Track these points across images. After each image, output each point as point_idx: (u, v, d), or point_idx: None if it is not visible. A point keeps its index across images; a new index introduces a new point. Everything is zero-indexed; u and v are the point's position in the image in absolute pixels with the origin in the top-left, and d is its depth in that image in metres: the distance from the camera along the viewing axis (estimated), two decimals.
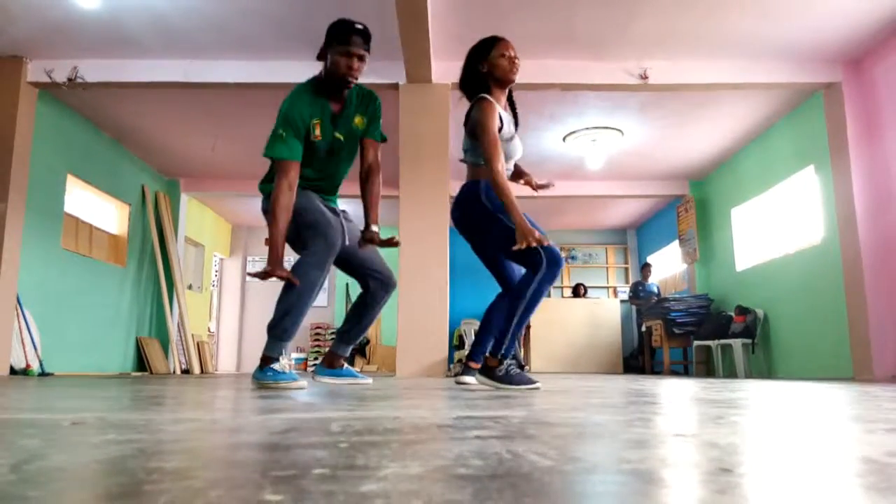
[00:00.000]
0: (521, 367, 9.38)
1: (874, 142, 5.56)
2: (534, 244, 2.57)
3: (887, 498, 0.51)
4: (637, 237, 12.12)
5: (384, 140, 2.93)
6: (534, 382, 2.73)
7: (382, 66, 5.75)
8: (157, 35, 5.36)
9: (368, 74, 5.75)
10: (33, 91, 5.88)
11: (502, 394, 2.31)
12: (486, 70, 2.84)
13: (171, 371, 8.46)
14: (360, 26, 2.71)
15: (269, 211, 2.69)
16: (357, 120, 2.83)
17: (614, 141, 7.50)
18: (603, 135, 7.34)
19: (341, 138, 2.80)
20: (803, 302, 6.46)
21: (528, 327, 9.89)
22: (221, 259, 11.92)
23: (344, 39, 2.67)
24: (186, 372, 8.62)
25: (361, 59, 2.70)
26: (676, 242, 9.69)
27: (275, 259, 2.65)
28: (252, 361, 11.73)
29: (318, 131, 2.73)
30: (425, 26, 4.80)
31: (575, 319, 9.83)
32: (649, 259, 10.92)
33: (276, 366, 2.66)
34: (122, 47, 5.57)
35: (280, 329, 2.68)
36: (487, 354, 2.83)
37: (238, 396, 2.18)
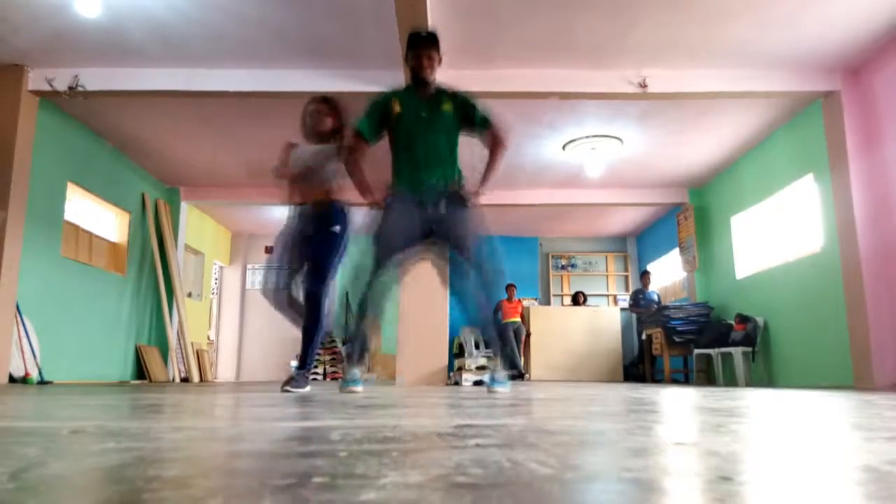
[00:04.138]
0: (521, 375, 9.40)
1: (873, 150, 5.57)
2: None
3: None
4: (637, 245, 12.12)
5: (486, 121, 3.41)
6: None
7: (383, 74, 5.77)
8: (157, 44, 5.39)
9: (368, 82, 5.81)
10: (34, 99, 5.90)
11: (503, 402, 2.31)
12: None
13: (171, 379, 8.45)
14: (423, 33, 3.40)
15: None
16: (446, 106, 3.38)
17: (614, 149, 7.51)
18: (602, 143, 7.36)
19: (425, 115, 3.34)
20: (803, 310, 6.46)
21: (529, 335, 9.88)
22: (221, 267, 11.91)
23: (411, 45, 3.36)
24: (186, 380, 8.60)
25: (430, 57, 3.35)
26: (676, 250, 9.69)
27: (361, 191, 3.35)
28: (251, 370, 11.71)
29: (398, 107, 3.36)
30: None
31: (575, 327, 9.82)
32: (649, 267, 10.92)
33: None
34: (123, 56, 5.59)
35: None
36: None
37: (237, 405, 2.18)
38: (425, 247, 3.40)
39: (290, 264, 3.67)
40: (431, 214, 3.29)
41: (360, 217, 3.67)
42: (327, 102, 3.84)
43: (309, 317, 3.61)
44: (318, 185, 3.69)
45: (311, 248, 3.66)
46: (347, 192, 3.74)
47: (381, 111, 3.41)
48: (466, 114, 3.42)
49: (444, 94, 3.46)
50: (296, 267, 3.69)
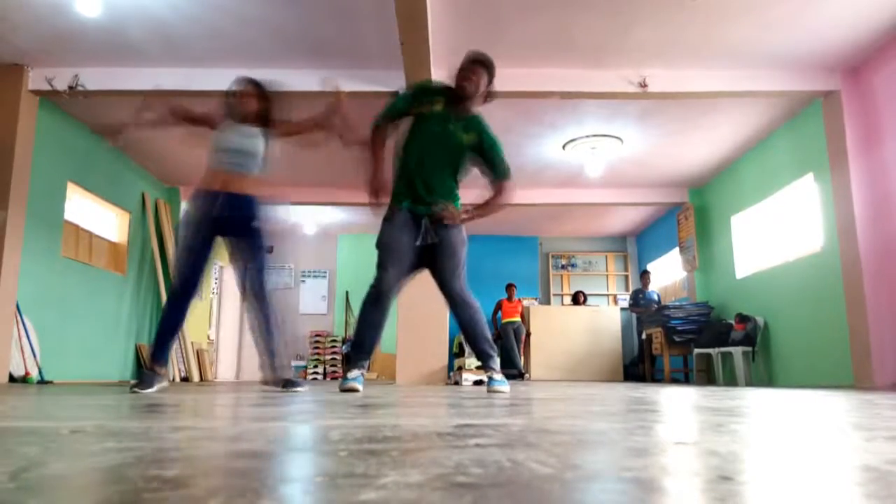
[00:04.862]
0: (521, 374, 9.41)
1: (873, 150, 5.57)
2: None
3: None
4: (637, 245, 12.13)
5: (504, 175, 3.41)
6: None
7: (382, 74, 5.78)
8: (158, 43, 5.39)
9: (368, 82, 5.81)
10: (34, 99, 5.90)
11: (502, 402, 2.30)
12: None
13: (171, 379, 8.44)
14: (470, 54, 3.37)
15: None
16: (468, 136, 3.35)
17: (614, 149, 7.52)
18: (602, 143, 7.36)
19: (447, 131, 3.32)
20: (803, 310, 6.46)
21: (529, 335, 9.88)
22: (221, 267, 11.90)
23: (464, 62, 3.35)
24: (186, 380, 8.61)
25: (475, 73, 3.31)
26: (676, 250, 9.70)
27: (372, 176, 3.34)
28: (251, 369, 11.71)
29: (430, 108, 3.35)
30: (425, 34, 4.82)
31: (575, 327, 9.82)
32: (649, 266, 10.92)
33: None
34: (123, 55, 5.59)
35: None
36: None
37: (237, 404, 2.18)
38: (418, 268, 3.46)
39: (198, 246, 3.41)
40: (425, 240, 3.33)
41: (282, 213, 3.59)
42: (255, 85, 3.64)
43: (262, 314, 3.54)
44: (244, 171, 3.49)
45: (245, 244, 3.46)
46: (267, 187, 3.58)
47: (418, 98, 3.42)
48: (486, 156, 3.40)
49: (473, 123, 3.41)
50: (202, 251, 3.43)
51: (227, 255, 3.57)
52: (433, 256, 3.35)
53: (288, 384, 3.49)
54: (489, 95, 3.42)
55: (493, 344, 3.47)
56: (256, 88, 3.62)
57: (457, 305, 3.34)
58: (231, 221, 3.42)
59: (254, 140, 3.51)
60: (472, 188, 3.75)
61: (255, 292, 3.47)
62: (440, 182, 3.37)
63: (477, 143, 3.39)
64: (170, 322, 3.36)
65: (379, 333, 3.40)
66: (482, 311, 3.41)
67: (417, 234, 3.33)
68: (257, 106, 3.59)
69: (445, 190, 3.38)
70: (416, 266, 3.43)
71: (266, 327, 3.49)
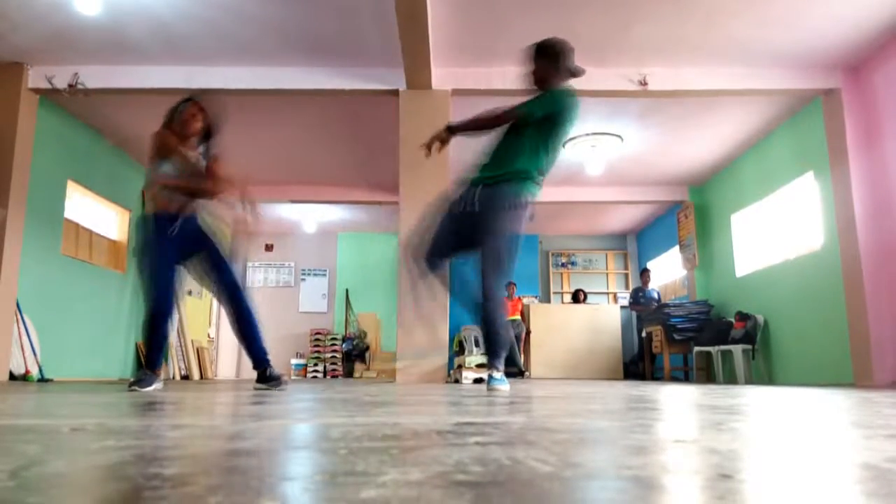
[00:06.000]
0: (521, 372, 9.41)
1: (873, 148, 5.57)
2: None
3: None
4: (637, 243, 12.13)
5: (523, 110, 3.40)
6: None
7: (382, 72, 5.78)
8: (158, 41, 5.38)
9: (368, 80, 5.81)
10: (34, 97, 5.89)
11: (502, 400, 2.31)
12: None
13: (171, 377, 8.45)
14: (531, 45, 3.52)
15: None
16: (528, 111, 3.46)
17: (614, 147, 7.51)
18: (602, 141, 7.36)
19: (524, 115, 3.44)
20: (803, 308, 6.46)
21: (529, 333, 9.88)
22: None
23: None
24: (186, 378, 8.61)
25: (529, 69, 3.51)
26: (676, 248, 9.70)
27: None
28: (251, 368, 11.69)
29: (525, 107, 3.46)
30: (425, 33, 4.81)
31: (575, 325, 9.82)
32: (649, 265, 10.92)
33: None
34: (124, 54, 5.58)
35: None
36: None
37: (237, 402, 2.18)
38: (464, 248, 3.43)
39: (164, 269, 3.45)
40: (467, 218, 3.32)
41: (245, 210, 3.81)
42: (198, 104, 3.73)
43: (244, 312, 3.56)
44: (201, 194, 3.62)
45: (205, 254, 3.55)
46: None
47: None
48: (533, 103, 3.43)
49: (545, 97, 3.45)
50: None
51: (194, 271, 3.62)
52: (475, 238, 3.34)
53: (272, 381, 3.52)
54: (540, 73, 3.50)
55: (505, 343, 3.41)
56: (200, 108, 3.73)
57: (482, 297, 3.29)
58: (188, 241, 3.50)
59: (199, 165, 3.62)
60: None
61: (230, 293, 3.54)
62: (498, 167, 3.45)
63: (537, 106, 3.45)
64: (155, 339, 3.41)
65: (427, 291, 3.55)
66: (502, 308, 3.37)
67: (466, 211, 3.32)
68: (201, 124, 3.72)
69: (501, 171, 3.44)
70: (459, 246, 3.41)
71: (245, 322, 3.54)
